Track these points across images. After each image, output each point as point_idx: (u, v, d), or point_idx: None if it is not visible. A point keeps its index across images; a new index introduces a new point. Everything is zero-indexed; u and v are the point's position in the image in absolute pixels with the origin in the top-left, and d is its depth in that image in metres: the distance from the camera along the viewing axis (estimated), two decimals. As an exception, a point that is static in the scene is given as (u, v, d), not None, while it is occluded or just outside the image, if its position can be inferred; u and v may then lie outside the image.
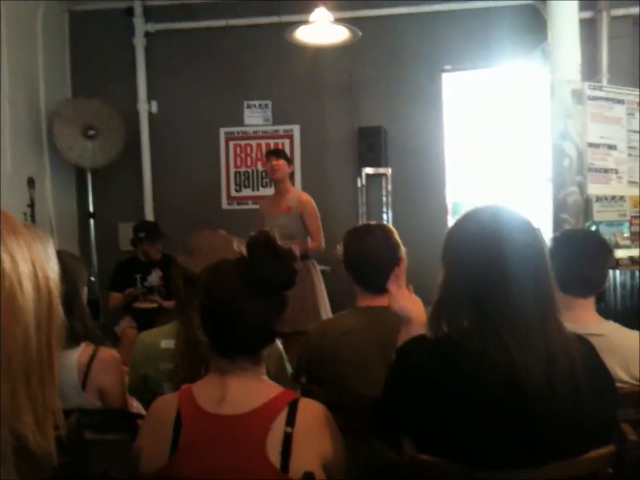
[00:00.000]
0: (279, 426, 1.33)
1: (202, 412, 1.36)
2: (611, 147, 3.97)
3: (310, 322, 3.38)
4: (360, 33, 4.17)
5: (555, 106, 3.96)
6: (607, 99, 3.99)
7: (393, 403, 1.44)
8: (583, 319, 1.96)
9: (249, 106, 5.34)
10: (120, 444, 1.68)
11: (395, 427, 1.44)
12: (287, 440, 1.32)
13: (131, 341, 3.80)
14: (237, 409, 1.35)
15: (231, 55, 5.28)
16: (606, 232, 3.88)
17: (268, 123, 5.34)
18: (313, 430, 1.37)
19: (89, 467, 1.62)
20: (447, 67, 5.15)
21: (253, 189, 5.37)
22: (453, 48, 5.06)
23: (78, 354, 1.96)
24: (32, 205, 4.57)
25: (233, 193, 5.38)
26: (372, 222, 2.27)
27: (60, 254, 2.05)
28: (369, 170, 5.07)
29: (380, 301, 2.07)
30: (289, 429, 1.33)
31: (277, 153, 4.36)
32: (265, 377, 1.45)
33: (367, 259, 2.06)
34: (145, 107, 5.34)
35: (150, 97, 5.37)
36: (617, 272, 3.51)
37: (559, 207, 3.88)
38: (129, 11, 5.30)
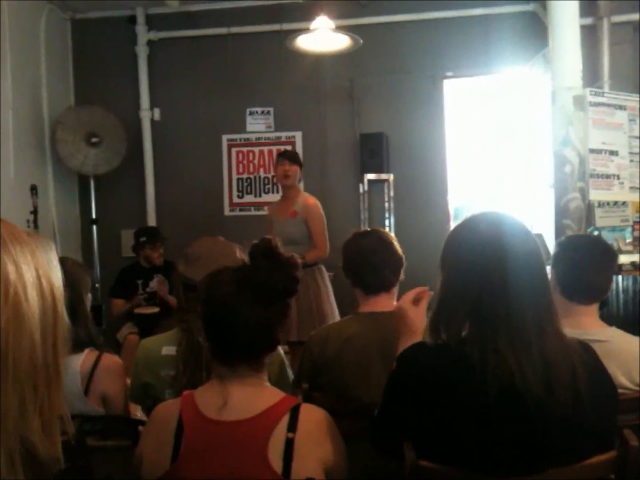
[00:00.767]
0: (280, 432, 1.33)
1: (203, 418, 1.36)
2: (613, 153, 3.96)
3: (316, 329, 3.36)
4: (361, 40, 4.18)
5: (556, 113, 3.96)
6: (608, 105, 3.99)
7: (393, 410, 1.44)
8: (586, 324, 1.95)
9: (251, 113, 5.36)
10: (122, 450, 1.68)
11: (394, 435, 1.43)
12: (289, 445, 1.32)
13: (133, 347, 3.81)
14: (238, 415, 1.36)
15: (233, 63, 5.30)
16: (608, 238, 3.86)
17: (270, 130, 5.36)
18: (314, 435, 1.37)
19: (91, 473, 1.62)
20: (449, 73, 5.16)
21: (255, 196, 5.38)
22: (454, 55, 5.08)
23: (81, 360, 1.97)
24: (35, 212, 4.59)
25: (235, 199, 5.39)
26: (368, 228, 2.30)
27: (64, 261, 2.07)
28: (370, 176, 5.08)
29: (381, 304, 2.08)
30: (290, 435, 1.33)
31: (291, 158, 4.20)
32: (267, 384, 1.45)
33: (362, 258, 2.09)
34: (147, 114, 5.36)
35: (152, 105, 5.39)
36: (620, 277, 3.50)
37: (561, 213, 3.88)
38: (132, 19, 5.33)
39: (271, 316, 1.41)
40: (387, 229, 4.61)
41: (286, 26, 4.99)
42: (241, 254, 1.98)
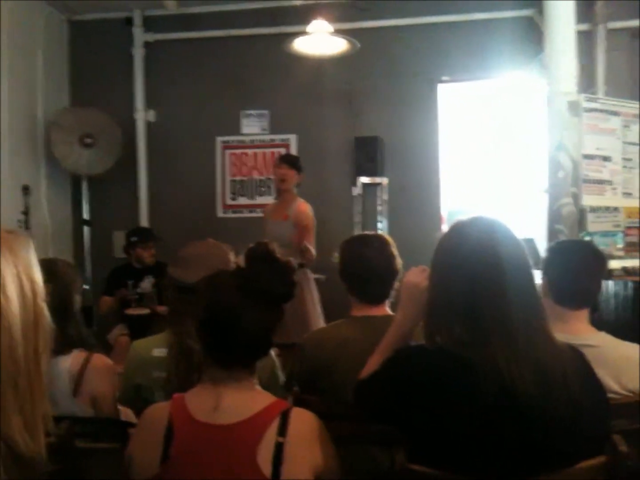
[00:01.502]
0: (270, 436, 1.33)
1: (193, 421, 1.36)
2: (606, 158, 3.98)
3: (297, 334, 3.36)
4: (358, 44, 4.19)
5: (551, 118, 3.97)
6: (602, 111, 4.01)
7: (380, 384, 1.46)
8: (576, 330, 1.96)
9: (246, 115, 5.36)
10: (112, 453, 1.67)
11: (378, 400, 1.46)
12: (279, 449, 1.32)
13: (124, 349, 3.79)
14: (229, 418, 1.35)
15: (229, 65, 5.30)
16: (600, 243, 3.88)
17: (265, 132, 5.36)
18: (305, 440, 1.37)
19: (81, 475, 1.62)
20: (445, 78, 5.17)
21: (249, 198, 5.37)
22: (450, 59, 5.09)
23: (70, 361, 1.95)
24: (26, 212, 4.57)
25: (229, 201, 5.39)
26: (369, 233, 2.27)
27: (54, 262, 2.06)
28: (365, 179, 5.09)
29: (375, 309, 2.08)
30: (280, 439, 1.33)
31: (290, 162, 4.26)
32: (258, 387, 1.45)
33: (363, 270, 2.06)
34: (142, 116, 5.35)
35: (148, 106, 5.38)
36: (611, 282, 3.51)
37: (554, 218, 3.89)
38: (129, 21, 5.33)
39: (269, 320, 1.42)
40: (379, 233, 4.61)
41: (283, 29, 5.00)
42: (233, 256, 1.99)
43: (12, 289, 0.74)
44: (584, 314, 2.01)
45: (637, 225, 4.09)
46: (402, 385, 1.40)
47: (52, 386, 1.79)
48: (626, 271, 3.62)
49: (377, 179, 5.09)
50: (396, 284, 2.08)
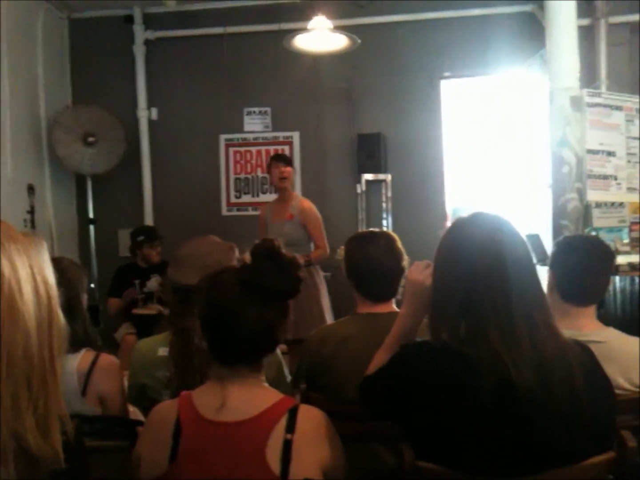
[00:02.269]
0: (278, 433, 1.33)
1: (201, 419, 1.36)
2: (610, 153, 3.97)
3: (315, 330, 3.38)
4: (359, 40, 4.18)
5: (554, 113, 3.96)
6: (605, 106, 4.00)
7: (386, 380, 1.47)
8: (583, 325, 1.95)
9: (248, 113, 5.36)
10: (120, 451, 1.68)
11: (382, 397, 1.47)
12: (287, 447, 1.32)
13: (130, 347, 3.79)
14: (237, 416, 1.35)
15: (231, 62, 5.30)
16: (606, 239, 3.87)
17: (268, 130, 5.36)
18: (313, 437, 1.37)
19: (89, 474, 1.62)
20: (446, 74, 5.17)
21: (253, 195, 5.38)
22: (452, 55, 5.08)
23: (78, 360, 1.96)
24: (32, 211, 4.58)
25: (233, 199, 5.39)
26: (376, 230, 2.25)
27: (60, 261, 2.06)
28: (368, 176, 5.09)
29: (380, 306, 2.07)
30: (288, 436, 1.33)
31: (286, 160, 4.31)
32: (265, 384, 1.45)
33: (370, 268, 2.05)
34: (145, 114, 5.35)
35: (150, 104, 5.39)
36: (617, 278, 3.51)
37: (559, 213, 3.88)
38: (129, 19, 5.33)
39: (274, 317, 1.41)
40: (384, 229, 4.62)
41: (284, 26, 4.98)
42: (235, 252, 1.98)
43: (28, 290, 0.75)
44: (591, 310, 2.00)
45: (642, 220, 4.09)
46: (407, 382, 1.40)
47: (61, 386, 1.80)
48: (632, 267, 3.62)
49: (381, 176, 5.09)
50: (402, 281, 2.08)
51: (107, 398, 1.98)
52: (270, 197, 5.17)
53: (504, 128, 5.53)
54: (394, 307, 2.11)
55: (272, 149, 5.32)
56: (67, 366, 1.91)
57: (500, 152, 5.63)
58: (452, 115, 5.32)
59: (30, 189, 4.63)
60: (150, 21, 5.37)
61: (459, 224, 1.48)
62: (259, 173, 5.37)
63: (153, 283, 4.49)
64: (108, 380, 1.98)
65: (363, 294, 2.09)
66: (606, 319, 2.03)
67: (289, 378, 2.08)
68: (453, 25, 5.06)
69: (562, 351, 1.34)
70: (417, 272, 1.58)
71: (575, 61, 3.95)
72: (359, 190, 5.11)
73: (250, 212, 5.32)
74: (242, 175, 5.40)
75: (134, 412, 2.03)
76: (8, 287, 0.72)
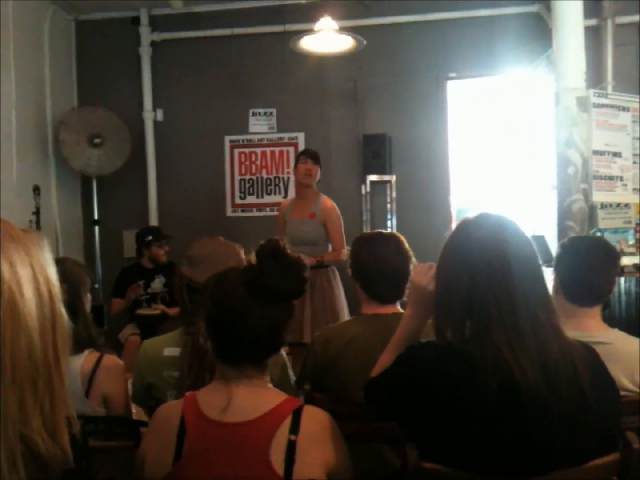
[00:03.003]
0: (283, 434, 1.33)
1: (206, 419, 1.36)
2: (616, 154, 3.96)
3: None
4: (364, 41, 4.18)
5: (560, 114, 3.95)
6: (612, 107, 3.98)
7: (391, 380, 1.46)
8: (589, 326, 1.95)
9: (254, 114, 5.36)
10: (124, 451, 1.68)
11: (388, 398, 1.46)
12: (291, 447, 1.32)
13: (134, 348, 3.80)
14: (241, 416, 1.35)
15: (236, 64, 5.30)
16: (611, 240, 3.85)
17: (273, 131, 5.36)
18: (317, 437, 1.36)
19: (93, 474, 1.62)
20: (452, 74, 5.16)
21: (258, 197, 5.38)
22: (458, 56, 5.08)
23: (82, 361, 1.96)
24: (37, 212, 4.59)
25: (237, 200, 5.40)
26: (384, 232, 2.25)
27: (63, 261, 2.06)
28: (373, 177, 5.08)
29: (386, 310, 2.07)
30: (293, 437, 1.33)
31: (314, 157, 4.16)
32: (270, 385, 1.45)
33: (378, 269, 2.05)
34: (150, 115, 5.37)
35: (155, 106, 5.40)
36: (622, 279, 3.50)
37: (564, 214, 3.87)
38: (135, 20, 5.34)
39: (279, 317, 1.41)
40: (389, 230, 4.61)
41: (289, 27, 4.99)
42: (243, 254, 1.98)
43: (29, 289, 0.74)
44: (596, 311, 2.00)
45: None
46: (411, 382, 1.40)
47: (65, 386, 1.80)
48: (637, 268, 3.60)
49: (386, 177, 5.09)
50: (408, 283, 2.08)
51: (110, 399, 1.98)
52: (276, 198, 5.17)
53: (509, 129, 5.52)
54: (399, 308, 2.11)
55: (277, 150, 5.33)
56: (70, 367, 1.90)
57: (506, 152, 5.62)
58: (458, 116, 5.31)
59: (36, 189, 4.65)
60: (156, 23, 5.38)
61: (464, 224, 1.48)
62: (264, 174, 5.37)
63: (157, 284, 4.50)
64: (112, 381, 1.98)
65: (369, 294, 2.09)
66: (611, 320, 2.03)
67: (293, 379, 2.08)
68: (459, 25, 5.05)
69: (567, 352, 1.34)
70: (420, 275, 1.58)
71: (582, 62, 3.94)
72: (363, 191, 5.11)
73: (255, 214, 5.33)
74: (247, 177, 5.40)
75: (138, 412, 2.03)
76: (8, 290, 0.72)
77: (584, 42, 3.96)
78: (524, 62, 4.91)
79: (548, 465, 1.29)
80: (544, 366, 1.30)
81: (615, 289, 3.40)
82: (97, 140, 4.96)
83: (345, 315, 4.07)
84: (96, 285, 4.96)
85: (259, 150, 5.38)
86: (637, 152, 4.02)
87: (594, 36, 4.56)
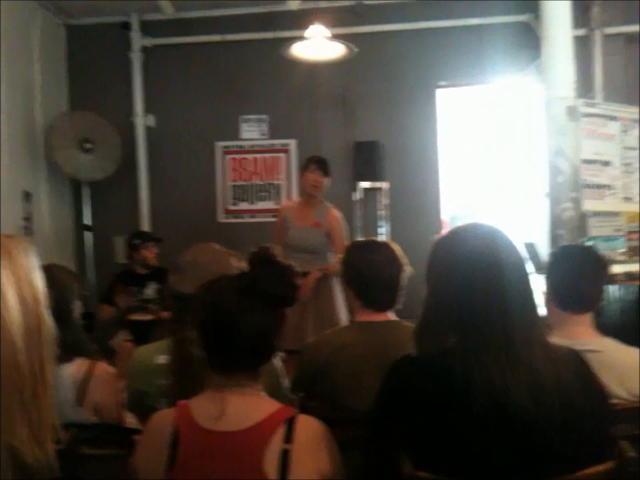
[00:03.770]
0: (276, 443, 1.33)
1: (199, 428, 1.36)
2: (605, 163, 3.99)
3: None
4: (356, 49, 4.20)
5: (549, 123, 3.98)
6: (601, 116, 4.02)
7: (382, 418, 1.43)
8: (580, 334, 1.96)
9: (245, 120, 5.37)
10: (117, 460, 1.67)
11: (387, 441, 1.43)
12: (285, 456, 1.31)
13: (127, 354, 3.77)
14: (234, 425, 1.35)
15: (228, 70, 5.31)
16: (602, 248, 3.88)
17: (264, 137, 5.37)
18: (311, 446, 1.36)
19: (83, 482, 1.61)
20: (442, 82, 5.20)
21: (249, 203, 5.38)
22: (448, 64, 5.11)
23: (73, 369, 1.95)
24: (28, 218, 4.56)
25: (229, 206, 5.39)
26: (377, 239, 2.27)
27: (51, 268, 2.05)
28: (365, 184, 5.10)
29: (379, 317, 2.08)
30: (286, 446, 1.32)
31: (325, 169, 4.11)
32: (263, 394, 1.45)
33: (372, 277, 2.05)
34: (142, 120, 5.35)
35: (147, 111, 5.38)
36: (613, 287, 3.52)
37: (555, 222, 3.90)
38: (126, 25, 5.33)
39: (271, 324, 1.41)
40: (381, 238, 4.63)
41: (281, 34, 5.00)
42: (236, 262, 1.97)
43: (12, 297, 0.73)
44: (587, 319, 2.02)
45: (638, 229, 4.10)
46: (398, 397, 1.39)
47: (56, 395, 1.79)
48: (628, 276, 3.63)
49: (377, 184, 5.10)
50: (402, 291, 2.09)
51: (103, 407, 1.97)
52: (267, 204, 5.18)
53: (500, 136, 5.56)
54: (392, 316, 2.11)
55: (268, 156, 5.33)
56: (61, 375, 1.89)
57: (497, 160, 5.65)
58: (448, 123, 5.34)
59: (26, 195, 4.62)
60: (147, 28, 5.37)
61: (455, 233, 1.46)
62: (256, 180, 5.37)
63: (150, 290, 4.48)
64: (104, 390, 1.97)
65: (363, 302, 2.09)
66: (603, 328, 2.05)
67: (287, 387, 2.07)
68: (449, 34, 5.08)
69: (556, 365, 1.32)
70: None
71: (571, 71, 3.97)
72: (355, 198, 5.12)
73: (247, 220, 5.32)
74: (239, 183, 5.40)
75: (131, 420, 2.02)
76: None
77: (572, 52, 3.99)
78: (513, 71, 4.95)
79: (539, 474, 1.28)
80: (532, 384, 1.29)
81: (607, 297, 3.42)
82: (87, 146, 4.94)
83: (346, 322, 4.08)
84: (86, 293, 4.92)
85: (250, 156, 5.38)
86: (627, 161, 4.05)
87: (582, 46, 4.60)
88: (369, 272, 2.06)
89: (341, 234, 4.10)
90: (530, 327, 1.35)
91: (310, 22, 4.12)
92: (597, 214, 4.07)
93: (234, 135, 5.38)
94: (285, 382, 2.06)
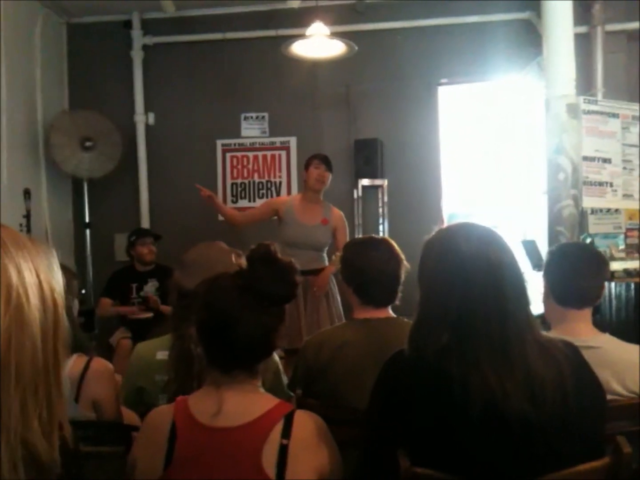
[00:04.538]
0: (274, 438, 1.33)
1: (197, 424, 1.36)
2: (606, 160, 3.98)
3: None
4: (356, 47, 4.19)
5: (550, 121, 3.97)
6: (602, 113, 4.01)
7: (377, 414, 1.44)
8: (579, 331, 1.96)
9: (245, 118, 5.37)
10: (115, 456, 1.67)
11: (383, 437, 1.43)
12: (283, 452, 1.31)
13: (126, 352, 3.79)
14: (232, 421, 1.35)
15: (228, 68, 5.31)
16: (601, 245, 3.89)
17: (265, 135, 5.36)
18: (309, 442, 1.36)
19: (84, 479, 1.61)
20: (443, 80, 5.19)
21: (249, 200, 5.38)
22: (449, 62, 5.10)
23: (70, 366, 1.95)
24: (28, 216, 4.57)
25: (229, 204, 5.39)
26: (376, 236, 2.27)
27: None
28: (365, 181, 5.09)
29: (379, 314, 2.07)
30: (284, 441, 1.32)
31: (329, 164, 4.18)
32: (262, 390, 1.45)
33: (372, 274, 2.05)
34: (142, 119, 5.35)
35: (147, 109, 5.38)
36: (613, 284, 3.52)
37: (555, 220, 3.89)
38: (127, 24, 5.33)
39: (270, 321, 1.41)
40: (380, 235, 4.64)
41: (282, 32, 5.01)
42: (237, 259, 1.97)
43: (34, 296, 0.75)
44: (586, 315, 2.02)
45: (638, 227, 4.10)
46: (394, 397, 1.39)
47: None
48: (628, 273, 3.63)
49: (378, 181, 5.10)
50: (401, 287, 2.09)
51: (101, 403, 1.97)
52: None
53: (500, 134, 5.55)
54: (391, 312, 2.11)
55: (269, 154, 5.33)
56: (61, 372, 1.89)
57: (497, 158, 5.64)
58: (449, 121, 5.34)
59: (27, 193, 4.62)
60: (148, 27, 5.37)
61: (448, 234, 1.45)
62: (256, 178, 5.37)
63: (150, 288, 4.49)
64: (102, 386, 1.97)
65: (363, 299, 2.09)
66: (602, 325, 2.05)
67: (285, 383, 2.08)
68: (450, 32, 5.07)
69: (552, 363, 1.32)
70: None
71: (572, 69, 3.96)
72: (355, 196, 5.12)
73: (247, 218, 5.32)
74: (239, 181, 5.40)
75: (130, 416, 2.02)
76: (16, 294, 0.73)
77: (574, 49, 3.98)
78: (514, 69, 4.95)
79: (535, 471, 1.28)
80: (529, 386, 1.28)
81: (606, 294, 3.43)
82: (88, 144, 4.94)
83: (342, 320, 4.11)
84: (83, 291, 4.92)
85: (251, 154, 5.38)
86: (627, 158, 4.05)
87: (584, 43, 4.59)
88: (368, 269, 2.06)
89: (346, 232, 4.21)
90: (525, 326, 1.34)
91: (311, 20, 4.12)
92: (596, 211, 4.07)
93: (235, 133, 5.38)
94: (285, 380, 2.06)
